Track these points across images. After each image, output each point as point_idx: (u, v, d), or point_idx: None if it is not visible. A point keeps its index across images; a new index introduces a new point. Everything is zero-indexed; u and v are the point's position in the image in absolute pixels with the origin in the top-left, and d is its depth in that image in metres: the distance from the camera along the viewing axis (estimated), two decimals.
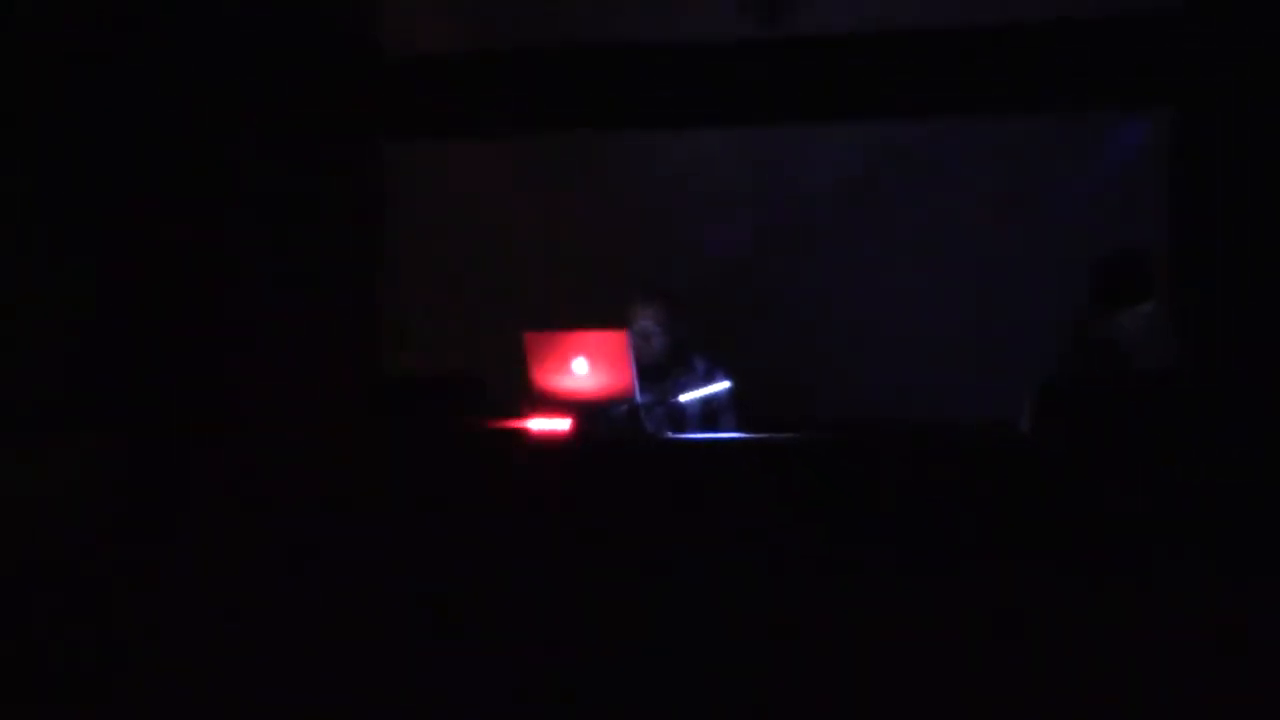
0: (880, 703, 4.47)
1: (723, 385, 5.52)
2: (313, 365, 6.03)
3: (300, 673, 4.73)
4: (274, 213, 6.48)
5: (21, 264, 6.31)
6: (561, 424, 5.10)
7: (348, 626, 4.86)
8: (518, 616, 4.77)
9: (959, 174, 6.54)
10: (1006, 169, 6.49)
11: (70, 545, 5.38)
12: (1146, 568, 4.76)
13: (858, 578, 4.77)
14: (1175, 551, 4.75)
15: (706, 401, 5.49)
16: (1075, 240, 6.06)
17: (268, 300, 6.37)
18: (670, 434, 5.38)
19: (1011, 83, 5.90)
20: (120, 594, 5.11)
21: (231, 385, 6.11)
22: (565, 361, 5.16)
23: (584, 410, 5.17)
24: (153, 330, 6.27)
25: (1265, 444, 4.86)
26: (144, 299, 6.33)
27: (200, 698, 4.75)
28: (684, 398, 5.47)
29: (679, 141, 6.75)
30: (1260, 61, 5.46)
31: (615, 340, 5.17)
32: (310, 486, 5.26)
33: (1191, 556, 4.71)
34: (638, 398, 5.20)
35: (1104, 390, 5.22)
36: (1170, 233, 5.82)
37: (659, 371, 5.52)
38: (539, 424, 5.09)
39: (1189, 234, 5.76)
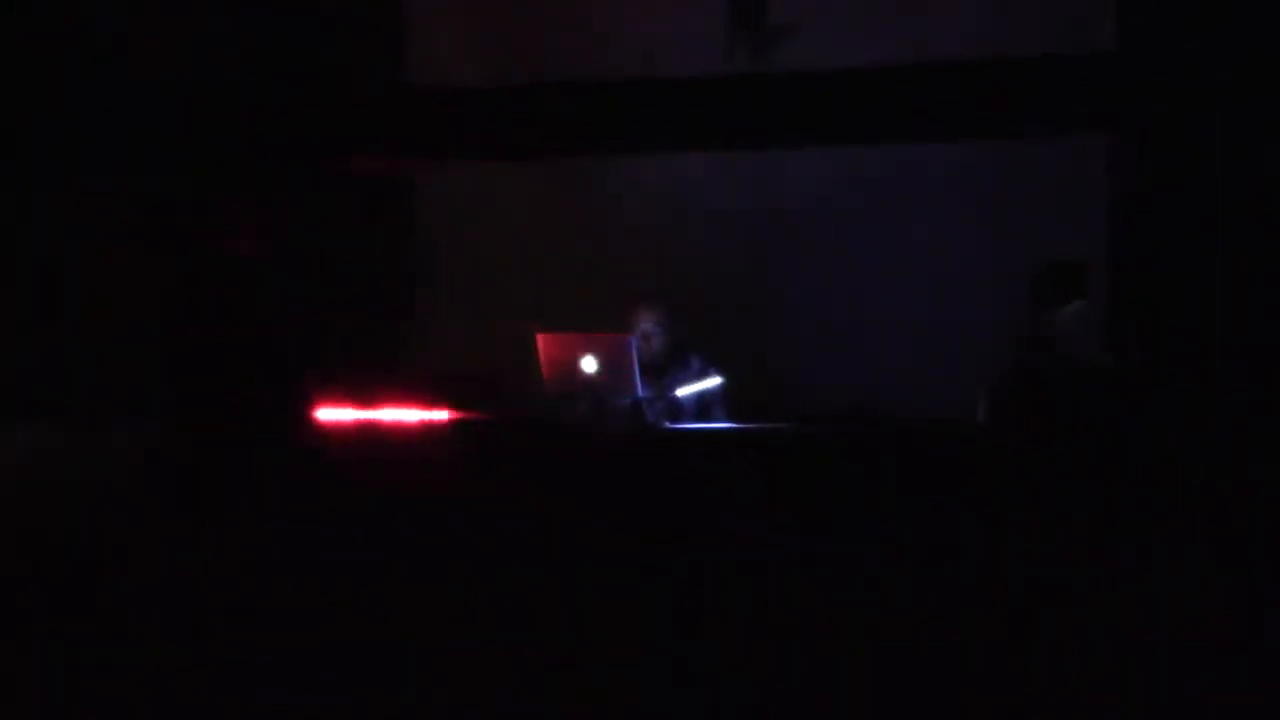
0: (857, 673, 4.56)
1: (715, 381, 5.79)
2: (348, 365, 6.29)
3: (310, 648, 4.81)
4: (316, 230, 6.86)
5: (74, 280, 6.83)
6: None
7: (357, 620, 4.90)
8: (533, 589, 4.88)
9: (929, 191, 6.67)
10: (971, 186, 6.62)
11: (114, 525, 5.47)
12: (1090, 539, 4.85)
13: (832, 549, 4.96)
14: (1113, 523, 4.87)
15: (701, 396, 5.77)
16: (1032, 248, 6.11)
17: (307, 307, 6.63)
18: (668, 424, 5.63)
19: (976, 112, 6.03)
20: (155, 570, 5.19)
21: (264, 386, 6.15)
22: (575, 360, 5.46)
23: (591, 403, 5.48)
24: (199, 335, 6.38)
25: (1193, 429, 5.14)
26: (193, 307, 6.47)
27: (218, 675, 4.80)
28: (681, 392, 5.74)
29: (679, 163, 6.87)
30: (1184, 93, 5.72)
31: (620, 342, 5.50)
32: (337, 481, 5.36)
33: (1127, 526, 4.84)
34: (639, 392, 5.48)
35: (1045, 385, 5.44)
36: (1108, 241, 6.04)
37: (658, 369, 5.79)
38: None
39: (1124, 243, 5.97)
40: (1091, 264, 5.89)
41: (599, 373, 5.45)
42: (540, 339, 5.50)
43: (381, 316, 7.16)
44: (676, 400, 5.73)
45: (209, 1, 6.88)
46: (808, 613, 4.84)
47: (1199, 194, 5.84)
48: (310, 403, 5.58)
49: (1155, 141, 5.90)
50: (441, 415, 5.40)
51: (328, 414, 5.53)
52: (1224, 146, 5.77)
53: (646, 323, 5.85)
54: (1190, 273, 5.86)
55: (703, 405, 5.77)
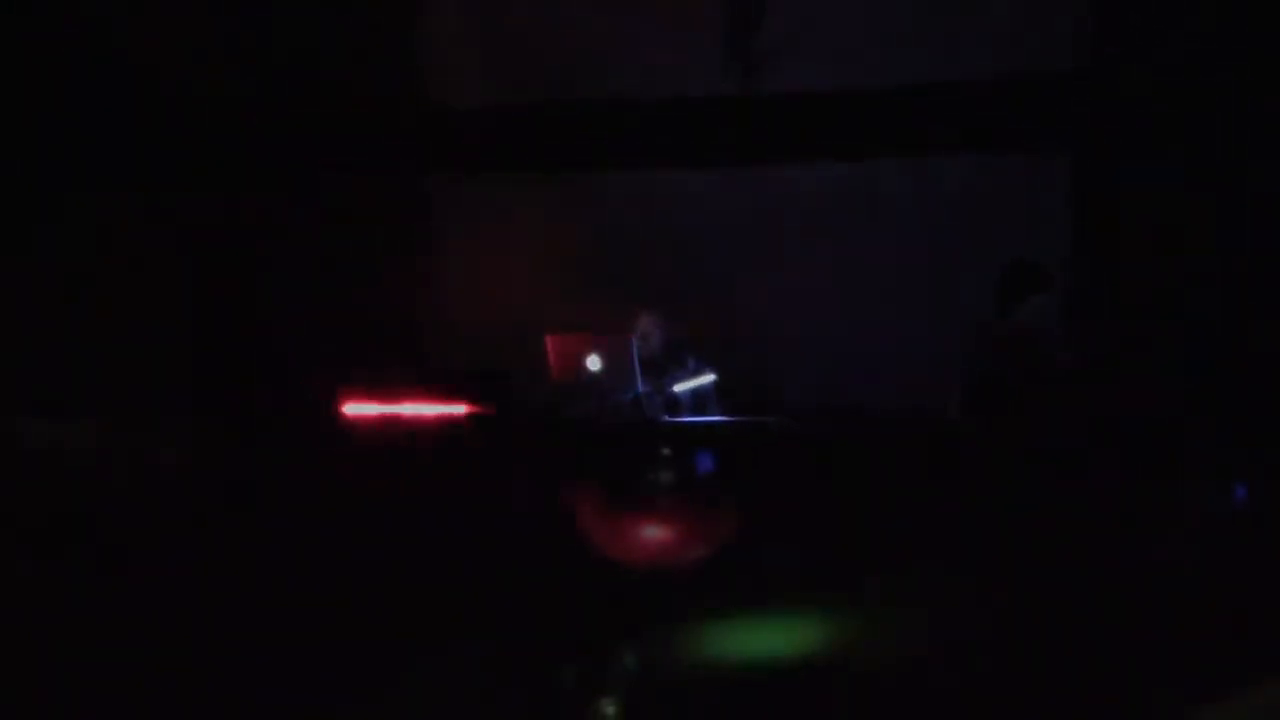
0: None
1: (708, 378, 5.97)
2: (368, 363, 6.44)
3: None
4: (335, 238, 7.15)
5: (133, 296, 7.05)
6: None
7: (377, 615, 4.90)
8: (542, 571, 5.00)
9: (898, 208, 6.91)
10: (936, 204, 6.86)
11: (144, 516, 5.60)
12: (1049, 516, 5.01)
13: (810, 523, 5.15)
14: (1071, 497, 5.06)
15: (695, 391, 5.94)
16: (998, 253, 6.13)
17: (324, 309, 7.02)
18: (666, 417, 5.78)
19: (945, 131, 6.43)
20: (182, 563, 5.23)
21: (292, 385, 6.45)
22: (580, 358, 5.64)
23: (595, 398, 5.64)
24: (234, 342, 6.93)
25: (1145, 417, 5.43)
26: (229, 315, 7.00)
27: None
28: (677, 388, 5.88)
29: (677, 181, 7.08)
30: (1145, 111, 6.13)
31: (622, 342, 5.66)
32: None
33: (1087, 500, 5.01)
34: (640, 388, 5.66)
35: (1011, 381, 5.66)
36: (1073, 250, 6.42)
37: (657, 367, 5.93)
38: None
39: (1087, 251, 6.40)
40: (1052, 265, 6.05)
41: (602, 370, 5.63)
42: (548, 339, 5.69)
43: (396, 318, 7.31)
44: (674, 395, 5.90)
45: (232, 16, 7.12)
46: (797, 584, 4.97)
47: (1160, 200, 6.20)
48: (332, 399, 5.66)
49: (1117, 154, 6.26)
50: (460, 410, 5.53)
51: (352, 409, 5.66)
52: (1182, 158, 6.15)
53: (647, 325, 6.03)
54: (1150, 273, 6.24)
55: (698, 400, 5.95)
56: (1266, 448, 5.02)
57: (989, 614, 4.65)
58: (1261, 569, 4.58)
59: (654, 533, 5.26)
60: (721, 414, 5.92)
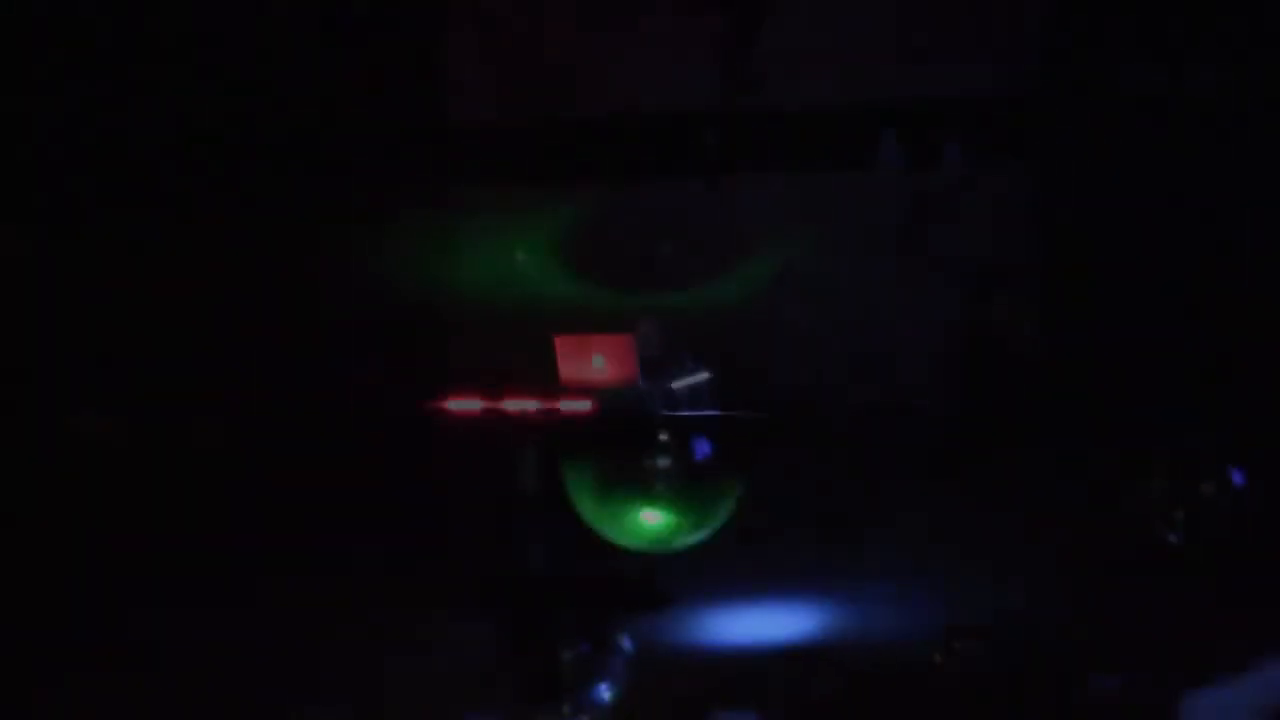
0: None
1: (704, 375, 6.19)
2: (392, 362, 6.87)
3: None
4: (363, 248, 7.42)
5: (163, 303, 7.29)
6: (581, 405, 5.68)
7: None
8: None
9: (875, 219, 7.19)
10: (909, 214, 7.10)
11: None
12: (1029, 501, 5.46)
13: (801, 511, 5.62)
14: (1051, 482, 5.50)
15: (692, 388, 6.14)
16: (968, 257, 6.67)
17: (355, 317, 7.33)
18: (665, 412, 5.96)
19: (924, 145, 6.76)
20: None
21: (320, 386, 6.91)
22: (586, 358, 5.84)
23: (599, 394, 5.82)
24: (264, 344, 7.24)
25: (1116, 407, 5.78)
26: (257, 319, 7.32)
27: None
28: (675, 385, 6.08)
29: (677, 187, 7.36)
30: (1095, 130, 6.45)
31: (623, 342, 5.87)
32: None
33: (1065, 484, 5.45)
34: (641, 385, 5.87)
35: (991, 377, 6.10)
36: (1042, 256, 6.69)
37: (656, 365, 6.10)
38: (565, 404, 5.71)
39: (1055, 249, 6.66)
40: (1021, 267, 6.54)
41: (606, 368, 5.83)
42: (556, 340, 5.90)
43: (415, 322, 7.62)
44: (672, 392, 6.11)
45: (258, 34, 7.40)
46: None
47: (1120, 206, 6.48)
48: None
49: (1082, 165, 6.55)
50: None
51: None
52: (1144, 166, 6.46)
53: (647, 326, 6.25)
54: (1114, 273, 6.51)
55: (694, 396, 6.16)
56: (1262, 436, 5.26)
57: (982, 607, 4.87)
58: (1258, 556, 4.80)
59: (653, 518, 5.55)
60: (715, 408, 6.14)
